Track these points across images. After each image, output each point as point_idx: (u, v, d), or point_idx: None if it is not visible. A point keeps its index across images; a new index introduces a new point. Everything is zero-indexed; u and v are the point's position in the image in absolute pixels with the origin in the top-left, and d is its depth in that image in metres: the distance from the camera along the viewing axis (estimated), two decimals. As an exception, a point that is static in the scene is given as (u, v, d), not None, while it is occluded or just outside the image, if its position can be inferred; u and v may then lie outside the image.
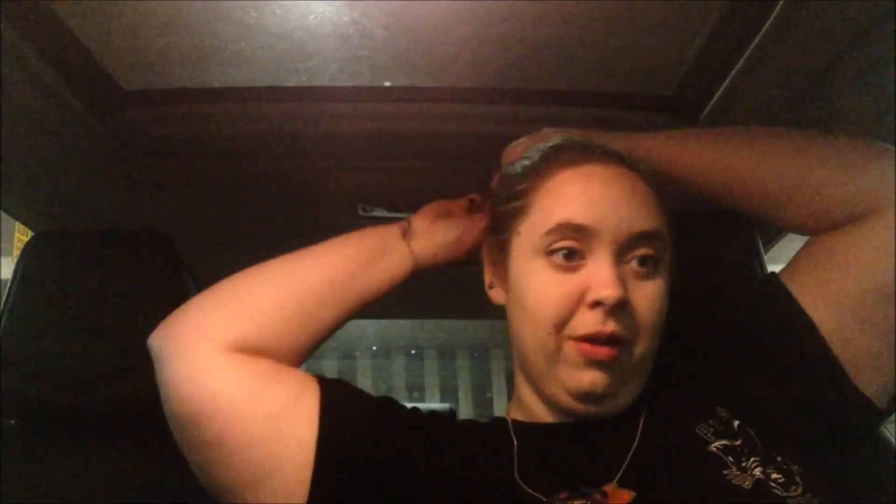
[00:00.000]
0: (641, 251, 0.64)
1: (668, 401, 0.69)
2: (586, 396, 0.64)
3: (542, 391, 0.68)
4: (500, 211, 0.72)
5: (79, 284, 1.01)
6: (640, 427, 0.67)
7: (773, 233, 1.16)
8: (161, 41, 0.83)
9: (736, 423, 0.66)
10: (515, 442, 0.68)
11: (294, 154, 1.09)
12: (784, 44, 0.78)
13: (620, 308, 0.62)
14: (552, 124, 0.79)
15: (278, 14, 0.78)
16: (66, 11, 0.77)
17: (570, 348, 0.63)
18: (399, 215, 1.30)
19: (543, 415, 0.70)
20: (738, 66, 0.84)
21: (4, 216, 1.22)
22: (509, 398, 0.78)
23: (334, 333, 0.78)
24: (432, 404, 3.47)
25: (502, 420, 0.73)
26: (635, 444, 0.65)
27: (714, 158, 0.74)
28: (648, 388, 0.69)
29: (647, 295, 0.64)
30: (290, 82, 0.94)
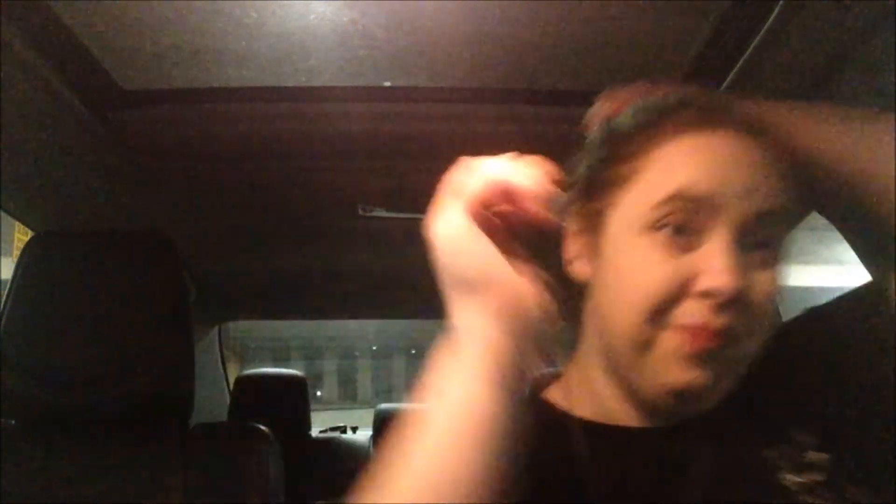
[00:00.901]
0: (766, 234, 0.55)
1: (746, 413, 0.60)
2: (682, 395, 0.55)
3: (626, 384, 0.59)
4: (598, 176, 0.61)
5: (79, 284, 1.01)
6: (715, 444, 0.59)
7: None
8: (161, 41, 0.83)
9: (814, 451, 0.58)
10: (589, 450, 0.59)
11: (294, 154, 1.09)
12: (784, 45, 0.79)
13: (737, 302, 0.52)
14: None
15: (278, 14, 0.78)
16: (66, 11, 0.77)
17: (669, 338, 0.54)
18: (399, 215, 1.30)
19: (621, 413, 0.61)
20: (737, 66, 0.85)
21: (4, 216, 1.22)
22: None
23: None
24: (432, 404, 3.46)
25: (564, 416, 0.63)
26: (710, 467, 0.57)
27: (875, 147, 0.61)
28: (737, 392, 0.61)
29: (766, 287, 0.54)
30: (290, 82, 0.94)
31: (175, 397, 1.05)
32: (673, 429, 0.59)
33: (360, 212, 1.27)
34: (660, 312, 0.54)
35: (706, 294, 0.52)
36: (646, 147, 0.58)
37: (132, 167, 1.08)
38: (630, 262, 0.57)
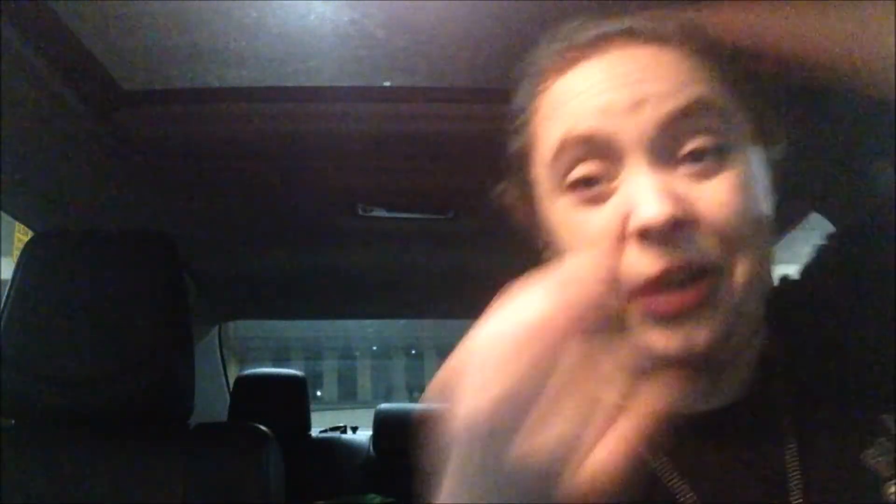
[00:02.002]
0: (692, 143, 0.46)
1: (814, 399, 0.52)
2: (680, 357, 0.45)
3: (627, 359, 0.55)
4: (514, 155, 0.56)
5: (79, 284, 1.01)
6: (794, 439, 0.50)
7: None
8: (161, 41, 0.83)
9: None
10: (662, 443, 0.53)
11: (294, 154, 1.09)
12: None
13: (682, 228, 0.44)
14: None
15: (278, 14, 0.78)
16: (66, 11, 0.77)
17: (637, 306, 0.46)
18: (399, 215, 1.30)
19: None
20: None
21: (4, 216, 1.22)
22: None
23: None
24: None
25: None
26: (794, 469, 0.49)
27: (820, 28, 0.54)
28: (780, 368, 0.53)
29: (723, 198, 0.45)
30: (290, 82, 0.94)
31: (175, 397, 1.05)
32: (736, 407, 0.51)
33: (360, 212, 1.27)
34: (613, 275, 0.46)
35: (642, 234, 0.44)
36: (534, 105, 0.53)
37: (132, 167, 1.08)
38: (563, 236, 0.50)
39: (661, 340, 0.46)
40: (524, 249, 0.58)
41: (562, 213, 0.50)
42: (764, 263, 0.48)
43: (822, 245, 0.62)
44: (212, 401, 2.11)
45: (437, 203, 1.26)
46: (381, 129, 1.03)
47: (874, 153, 0.92)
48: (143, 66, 0.89)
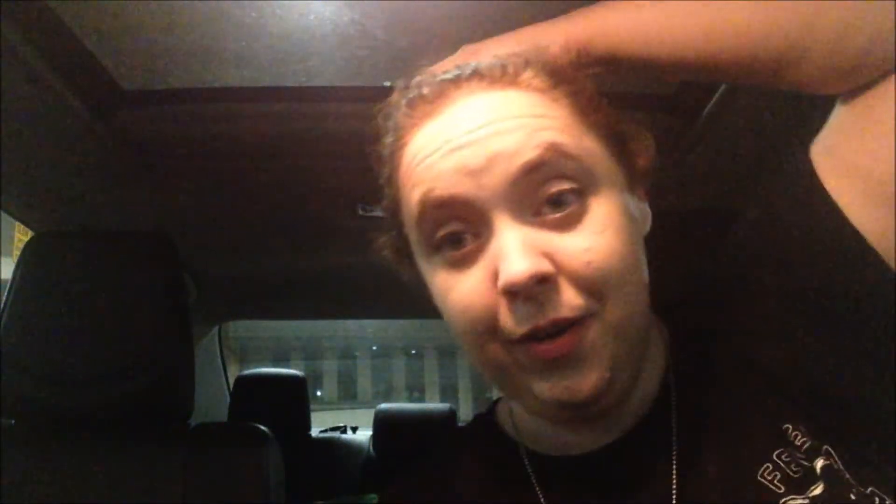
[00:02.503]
0: (549, 188, 0.46)
1: (709, 417, 0.52)
2: (568, 404, 0.47)
3: (517, 402, 0.55)
4: (383, 207, 0.57)
5: (79, 284, 1.01)
6: (675, 468, 0.50)
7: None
8: (161, 41, 0.83)
9: (816, 455, 0.47)
10: (538, 489, 0.54)
11: (294, 154, 1.09)
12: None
13: (545, 282, 0.44)
14: None
15: (278, 14, 0.78)
16: (66, 11, 0.77)
17: (520, 354, 0.47)
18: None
19: (556, 438, 0.55)
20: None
21: (4, 216, 1.22)
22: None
23: None
24: (432, 404, 3.47)
25: (514, 446, 0.58)
26: (674, 501, 0.49)
27: (681, 24, 0.52)
28: (673, 387, 0.54)
29: (583, 244, 0.45)
30: (290, 82, 0.94)
31: (175, 397, 1.05)
32: (624, 446, 0.52)
33: (360, 212, 1.27)
34: (491, 331, 0.47)
35: (508, 293, 0.45)
36: (394, 161, 0.53)
37: (132, 167, 1.08)
38: (437, 292, 0.51)
39: (545, 388, 0.47)
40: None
41: (435, 273, 0.50)
42: (639, 300, 0.48)
43: (712, 255, 0.61)
44: (212, 401, 2.11)
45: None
46: (381, 129, 1.02)
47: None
48: (143, 66, 0.89)
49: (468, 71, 0.51)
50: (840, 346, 0.49)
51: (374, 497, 1.87)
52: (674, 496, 0.49)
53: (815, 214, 0.49)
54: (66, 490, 0.96)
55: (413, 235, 0.52)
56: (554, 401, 0.47)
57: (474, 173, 0.46)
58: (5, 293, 1.01)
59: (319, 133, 1.03)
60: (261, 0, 0.75)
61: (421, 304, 0.56)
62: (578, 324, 0.46)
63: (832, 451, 0.47)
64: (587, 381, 0.46)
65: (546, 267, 0.44)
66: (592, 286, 0.45)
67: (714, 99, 0.92)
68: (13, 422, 1.03)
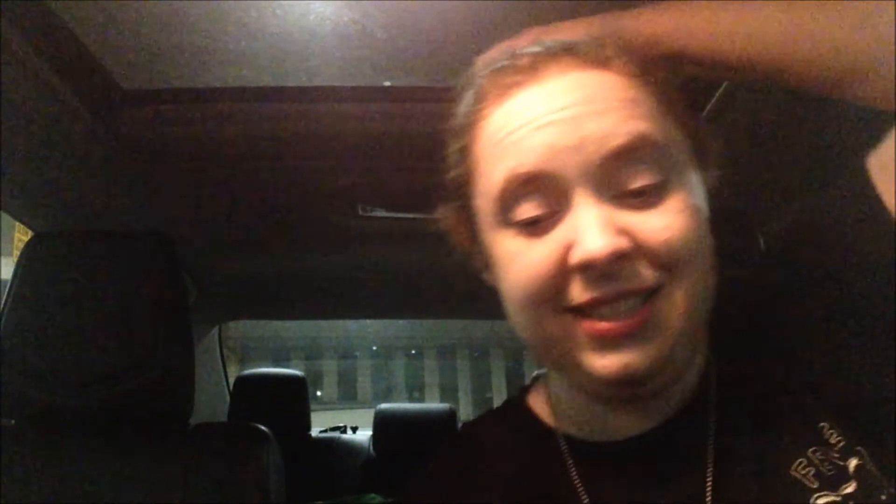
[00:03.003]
0: (634, 181, 0.47)
1: (747, 410, 0.53)
2: (622, 381, 0.47)
3: (567, 380, 0.54)
4: (451, 180, 0.57)
5: (79, 284, 1.01)
6: (711, 458, 0.51)
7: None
8: (161, 41, 0.83)
9: (849, 455, 0.48)
10: (575, 477, 0.54)
11: (294, 154, 1.09)
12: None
13: (622, 260, 0.45)
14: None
15: (278, 14, 0.78)
16: (66, 11, 0.77)
17: (578, 328, 0.48)
18: (399, 215, 1.30)
19: (598, 422, 0.55)
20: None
21: (4, 216, 1.22)
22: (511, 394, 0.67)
23: None
24: (432, 404, 3.47)
25: (549, 433, 0.58)
26: (708, 490, 0.50)
27: (755, 26, 0.53)
28: (715, 381, 0.54)
29: (662, 223, 0.46)
30: (290, 82, 0.94)
31: (175, 397, 1.05)
32: (663, 433, 0.52)
33: (360, 212, 1.27)
34: (551, 300, 0.48)
35: (583, 268, 0.46)
36: (474, 132, 0.53)
37: (132, 167, 1.08)
38: (503, 259, 0.51)
39: (599, 363, 0.47)
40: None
41: (504, 243, 0.50)
42: (705, 287, 0.49)
43: (763, 253, 0.63)
44: (212, 401, 2.11)
45: (437, 203, 1.26)
46: (381, 129, 1.03)
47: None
48: (143, 66, 0.89)
49: (561, 46, 0.51)
50: (880, 351, 0.49)
51: (374, 497, 1.87)
52: (709, 485, 0.50)
53: (867, 225, 0.50)
54: (66, 490, 0.96)
55: (488, 207, 0.51)
56: (608, 376, 0.47)
57: (564, 151, 0.47)
58: (5, 293, 1.01)
59: (319, 133, 1.03)
60: (261, 0, 0.76)
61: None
62: (643, 300, 0.47)
63: (865, 453, 0.48)
64: (645, 359, 0.47)
65: (624, 244, 0.45)
66: (667, 261, 0.46)
67: (714, 98, 0.92)
68: (13, 422, 1.03)
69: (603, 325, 0.46)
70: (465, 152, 0.54)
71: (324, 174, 1.15)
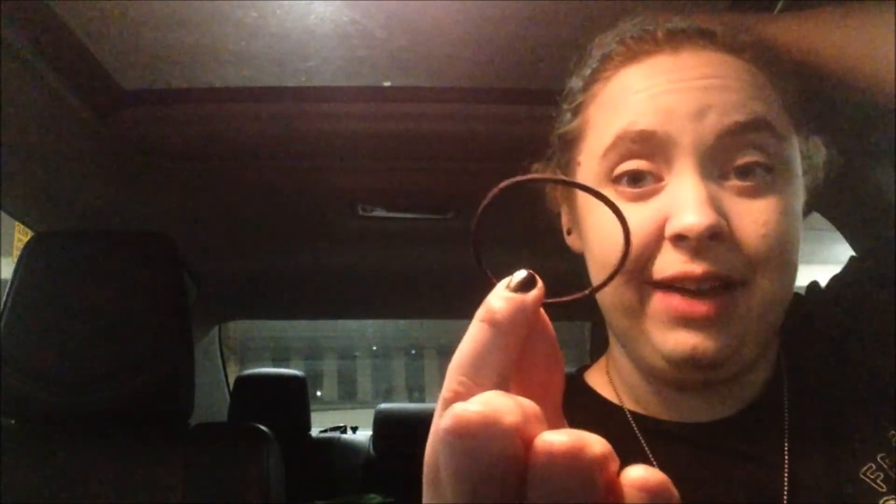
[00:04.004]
0: (743, 158, 0.46)
1: (819, 411, 0.52)
2: (686, 362, 0.47)
3: (633, 354, 0.53)
4: (559, 136, 0.56)
5: (79, 284, 1.01)
6: (787, 452, 0.51)
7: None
8: (161, 41, 0.83)
9: None
10: (647, 449, 0.53)
11: (294, 154, 1.09)
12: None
13: (714, 240, 0.44)
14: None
15: (278, 14, 0.78)
16: (66, 11, 0.77)
17: (656, 301, 0.47)
18: (399, 215, 1.30)
19: (654, 405, 0.55)
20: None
21: (4, 216, 1.22)
22: None
23: None
24: (432, 404, 3.47)
25: (613, 408, 0.57)
26: (785, 487, 0.49)
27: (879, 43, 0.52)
28: (788, 376, 0.54)
29: (761, 217, 0.46)
30: (290, 82, 0.94)
31: (175, 397, 1.05)
32: (739, 422, 0.52)
33: (360, 212, 1.27)
34: (637, 269, 0.47)
35: (677, 238, 0.45)
36: (593, 91, 0.53)
37: (132, 167, 1.08)
38: (595, 221, 0.50)
39: (671, 342, 0.47)
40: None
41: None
42: (785, 289, 0.49)
43: (848, 261, 0.63)
44: (212, 401, 2.11)
45: (437, 203, 1.26)
46: (381, 129, 1.03)
47: (875, 153, 0.91)
48: (143, 66, 0.89)
49: (697, 28, 0.51)
50: None
51: (374, 497, 1.87)
52: (786, 482, 0.49)
53: None
54: (66, 490, 0.96)
55: (591, 164, 0.51)
56: (677, 356, 0.47)
57: (684, 117, 0.46)
58: (5, 293, 1.01)
59: (319, 133, 1.03)
60: (261, 0, 0.75)
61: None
62: (727, 288, 0.46)
63: None
64: (713, 345, 0.46)
65: (723, 224, 0.45)
66: (756, 257, 0.46)
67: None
68: (13, 422, 1.03)
69: (681, 304, 0.46)
70: (579, 109, 0.54)
71: (324, 174, 1.15)
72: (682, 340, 0.46)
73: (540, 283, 0.27)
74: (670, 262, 0.46)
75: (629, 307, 0.49)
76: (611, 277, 0.32)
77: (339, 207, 1.26)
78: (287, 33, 0.81)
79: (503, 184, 0.29)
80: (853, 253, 0.73)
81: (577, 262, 0.58)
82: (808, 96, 0.53)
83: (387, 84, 0.95)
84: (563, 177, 0.54)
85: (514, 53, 0.88)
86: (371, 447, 2.26)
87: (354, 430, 2.43)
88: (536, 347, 0.27)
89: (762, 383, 0.54)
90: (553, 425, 0.24)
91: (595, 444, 0.23)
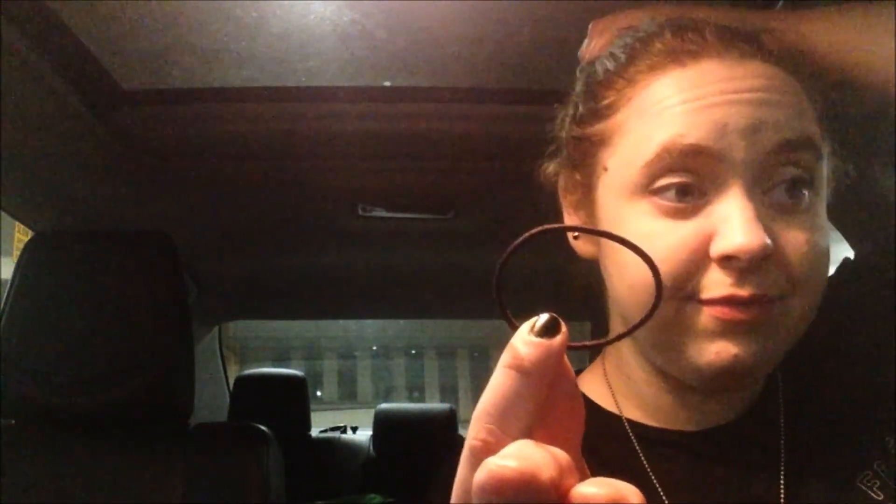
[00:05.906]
0: (790, 173, 0.45)
1: (815, 418, 0.52)
2: (726, 371, 0.46)
3: (660, 370, 0.52)
4: (580, 136, 0.53)
5: (79, 284, 1.01)
6: (783, 460, 0.51)
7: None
8: (161, 41, 0.83)
9: None
10: (644, 461, 0.53)
11: (294, 154, 1.09)
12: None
13: (763, 261, 0.44)
14: (552, 124, 0.63)
15: (278, 14, 0.78)
16: (66, 11, 0.77)
17: (699, 313, 0.46)
18: (399, 215, 1.30)
19: (666, 414, 0.54)
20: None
21: (4, 216, 1.22)
22: None
23: None
24: (432, 404, 3.47)
25: (613, 417, 0.56)
26: (782, 495, 0.50)
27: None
28: (784, 383, 0.55)
29: (802, 236, 0.45)
30: (290, 82, 0.94)
31: (175, 397, 1.05)
32: (735, 430, 0.52)
33: (360, 212, 1.27)
34: (678, 288, 0.46)
35: (725, 259, 0.44)
36: (626, 92, 0.49)
37: (132, 167, 1.08)
38: (632, 234, 0.47)
39: (712, 352, 0.46)
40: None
41: (638, 216, 0.47)
42: (819, 299, 0.48)
43: (838, 266, 0.62)
44: (212, 401, 2.11)
45: (437, 203, 1.26)
46: (381, 129, 1.03)
47: (874, 153, 0.91)
48: (143, 66, 0.89)
49: (744, 34, 0.49)
50: None
51: (374, 497, 1.87)
52: (782, 490, 0.49)
53: None
54: (66, 490, 0.96)
55: (624, 171, 0.48)
56: (718, 366, 0.46)
57: (737, 133, 0.45)
58: (5, 293, 1.01)
59: (319, 133, 1.03)
60: (261, 0, 0.75)
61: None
62: (771, 303, 0.46)
63: None
64: (752, 354, 0.45)
65: (771, 245, 0.44)
66: (796, 275, 0.45)
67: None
68: (13, 422, 1.03)
69: (731, 313, 0.45)
70: (609, 110, 0.51)
71: (324, 174, 1.15)
72: (724, 349, 0.45)
73: (564, 328, 0.26)
74: (717, 283, 0.45)
75: (664, 322, 0.47)
76: (641, 323, 0.31)
77: (339, 207, 1.26)
78: (287, 33, 0.81)
79: (529, 233, 0.29)
80: (853, 253, 0.73)
81: (576, 260, 0.57)
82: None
83: (387, 84, 0.95)
84: (605, 230, 0.44)
85: (514, 53, 0.88)
86: (371, 447, 2.26)
87: (354, 430, 2.43)
88: (559, 391, 0.26)
89: (758, 391, 0.54)
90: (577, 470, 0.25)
91: (631, 495, 0.23)
